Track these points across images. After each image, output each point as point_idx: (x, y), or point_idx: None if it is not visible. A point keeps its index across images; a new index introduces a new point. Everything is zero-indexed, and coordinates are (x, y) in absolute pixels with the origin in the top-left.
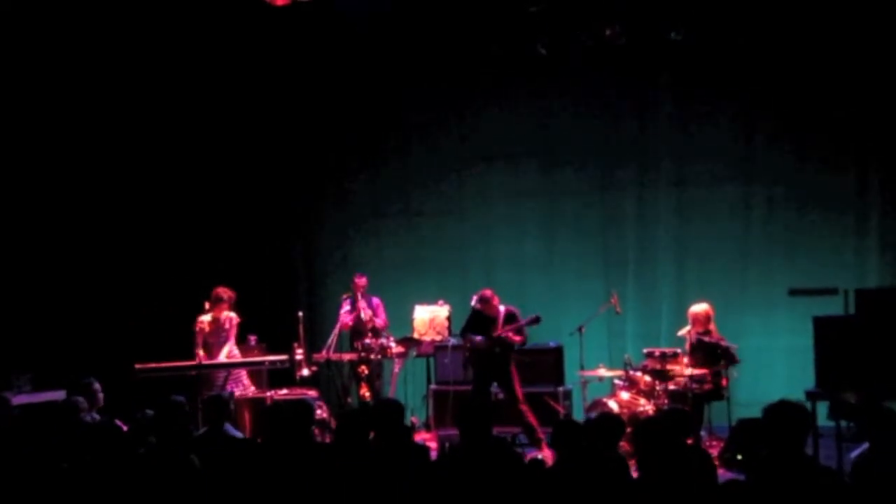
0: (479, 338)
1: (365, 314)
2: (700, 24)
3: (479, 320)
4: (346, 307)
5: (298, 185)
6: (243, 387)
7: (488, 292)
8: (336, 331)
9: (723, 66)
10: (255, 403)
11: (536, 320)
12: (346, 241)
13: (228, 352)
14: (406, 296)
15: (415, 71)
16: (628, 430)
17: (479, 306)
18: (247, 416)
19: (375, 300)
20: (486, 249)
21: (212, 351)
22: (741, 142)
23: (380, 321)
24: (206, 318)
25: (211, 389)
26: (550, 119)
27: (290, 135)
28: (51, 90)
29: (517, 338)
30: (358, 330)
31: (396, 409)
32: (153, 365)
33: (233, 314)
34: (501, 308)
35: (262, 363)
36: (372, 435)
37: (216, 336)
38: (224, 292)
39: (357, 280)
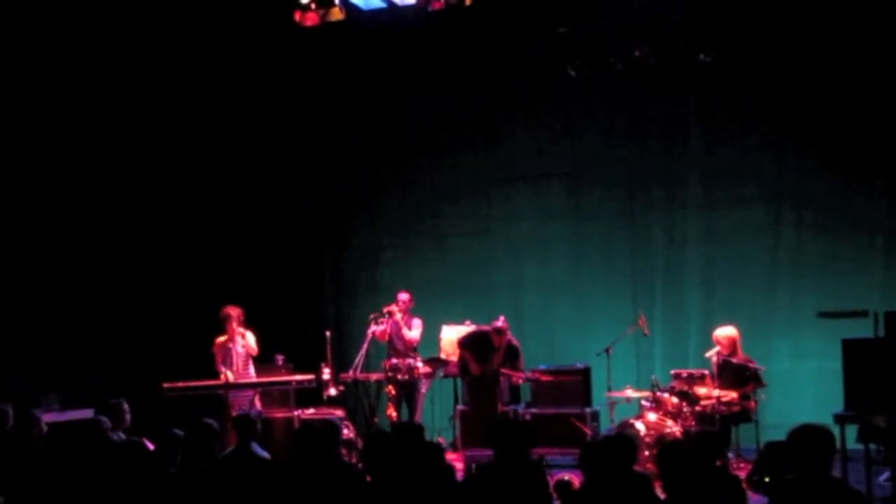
0: (473, 364)
1: (395, 323)
2: (729, 45)
3: (483, 343)
4: (374, 327)
5: (327, 205)
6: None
7: (505, 325)
8: (363, 350)
9: (752, 87)
10: (283, 424)
11: (535, 381)
12: (374, 261)
13: (251, 370)
14: (433, 316)
15: (443, 92)
16: (655, 451)
17: (492, 334)
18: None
19: (416, 319)
20: (513, 270)
21: (233, 369)
22: (770, 163)
23: (411, 334)
24: (222, 338)
25: (236, 407)
26: (579, 140)
27: (320, 154)
28: (70, 98)
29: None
30: (394, 346)
31: (417, 431)
32: (181, 384)
33: (248, 332)
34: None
35: (289, 383)
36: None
37: (234, 354)
38: (231, 310)
39: (398, 296)
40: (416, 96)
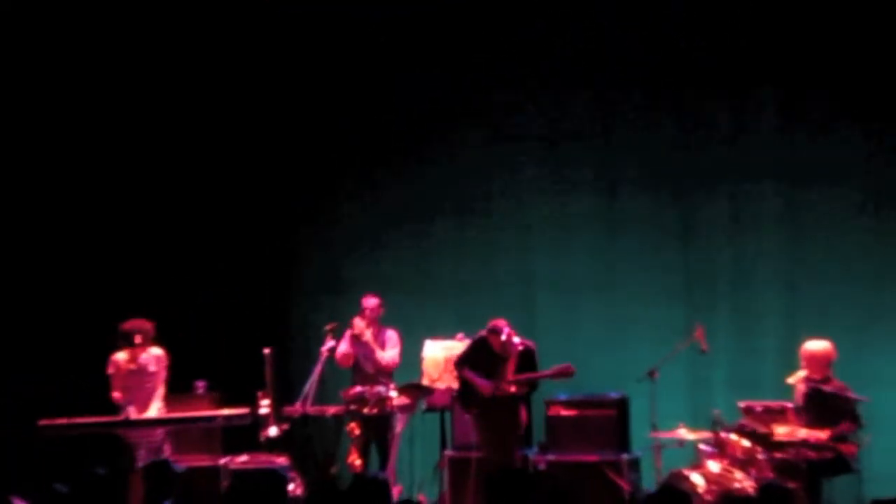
0: (480, 381)
1: (365, 344)
2: None
3: (485, 353)
4: (330, 342)
5: (276, 180)
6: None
7: (501, 323)
8: (317, 374)
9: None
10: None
11: (566, 373)
12: (334, 254)
13: (160, 403)
14: (413, 327)
15: (433, 36)
16: None
17: (488, 337)
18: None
19: (390, 332)
20: (522, 265)
21: (136, 400)
22: (872, 128)
23: (388, 356)
24: (121, 356)
25: (142, 453)
26: (610, 92)
27: (269, 118)
28: (60, 100)
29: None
30: (360, 369)
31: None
32: (64, 420)
33: (159, 351)
34: (516, 339)
35: (213, 419)
36: None
37: (139, 379)
38: (138, 324)
39: (364, 302)
40: (399, 45)
